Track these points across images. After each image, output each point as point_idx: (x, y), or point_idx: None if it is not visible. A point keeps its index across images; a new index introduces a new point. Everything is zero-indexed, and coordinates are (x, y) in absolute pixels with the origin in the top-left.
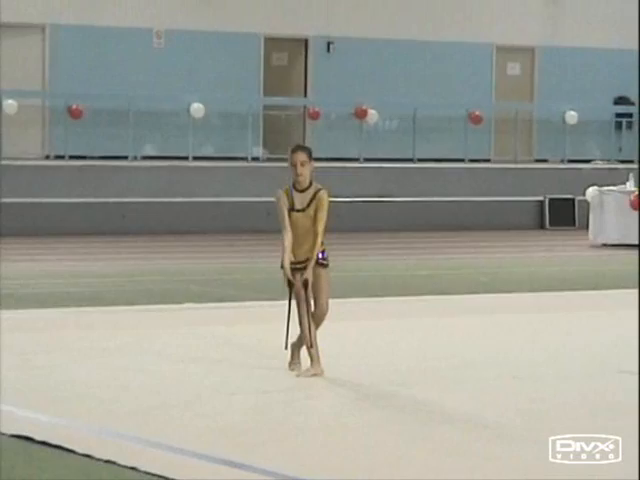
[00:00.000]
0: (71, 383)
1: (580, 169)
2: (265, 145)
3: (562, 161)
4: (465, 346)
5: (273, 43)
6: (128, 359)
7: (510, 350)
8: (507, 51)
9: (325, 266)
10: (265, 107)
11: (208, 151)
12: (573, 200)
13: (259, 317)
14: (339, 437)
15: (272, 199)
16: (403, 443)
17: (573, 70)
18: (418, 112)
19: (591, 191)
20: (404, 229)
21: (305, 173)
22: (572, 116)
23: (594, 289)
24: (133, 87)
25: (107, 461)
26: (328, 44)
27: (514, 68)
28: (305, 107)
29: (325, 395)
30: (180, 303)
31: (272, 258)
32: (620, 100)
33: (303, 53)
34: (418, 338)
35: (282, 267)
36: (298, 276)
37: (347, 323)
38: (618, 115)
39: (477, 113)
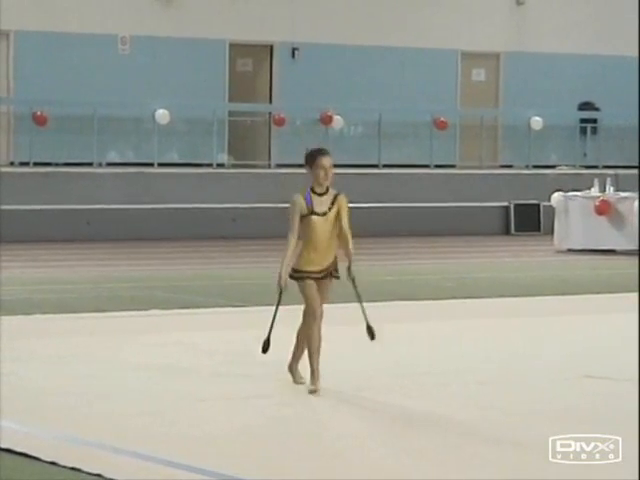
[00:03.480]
0: (36, 390)
1: (545, 174)
2: (230, 151)
3: (527, 167)
4: (431, 352)
5: (238, 49)
6: (93, 366)
7: (476, 355)
8: (472, 57)
9: (337, 278)
10: (230, 113)
11: (173, 157)
12: (538, 205)
13: (226, 323)
14: (309, 444)
15: (238, 205)
16: (376, 446)
17: (538, 76)
18: (383, 118)
19: (556, 196)
20: (369, 235)
21: (330, 178)
22: (537, 122)
23: (560, 294)
24: (98, 93)
25: (72, 468)
26: (293, 50)
27: (479, 74)
28: (270, 113)
29: (294, 401)
30: (146, 310)
31: (238, 264)
32: (585, 106)
33: (268, 59)
34: (383, 344)
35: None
36: (314, 290)
37: None
38: (583, 121)
39: (442, 119)
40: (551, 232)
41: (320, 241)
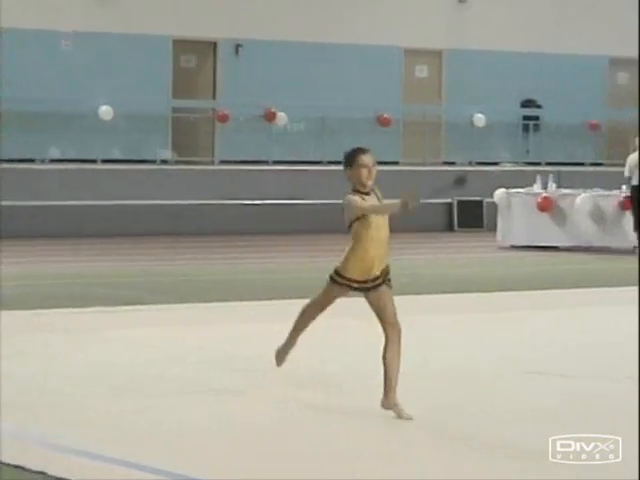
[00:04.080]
0: None
1: (488, 171)
2: (174, 148)
3: (470, 163)
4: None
5: (182, 45)
6: (31, 363)
7: (422, 351)
8: (415, 54)
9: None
10: (174, 109)
11: (116, 154)
12: (481, 202)
13: (164, 319)
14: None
15: (182, 201)
16: (318, 444)
17: (481, 73)
18: (327, 115)
19: (499, 193)
20: (316, 231)
21: (374, 177)
22: (480, 119)
23: (504, 290)
24: (41, 89)
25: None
26: (237, 47)
27: (422, 71)
28: (214, 110)
29: (245, 398)
30: (86, 307)
31: (180, 260)
32: (527, 103)
33: (212, 56)
34: (322, 340)
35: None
36: (332, 297)
37: (246, 326)
38: (525, 118)
39: (386, 116)
40: (494, 228)
41: (376, 244)
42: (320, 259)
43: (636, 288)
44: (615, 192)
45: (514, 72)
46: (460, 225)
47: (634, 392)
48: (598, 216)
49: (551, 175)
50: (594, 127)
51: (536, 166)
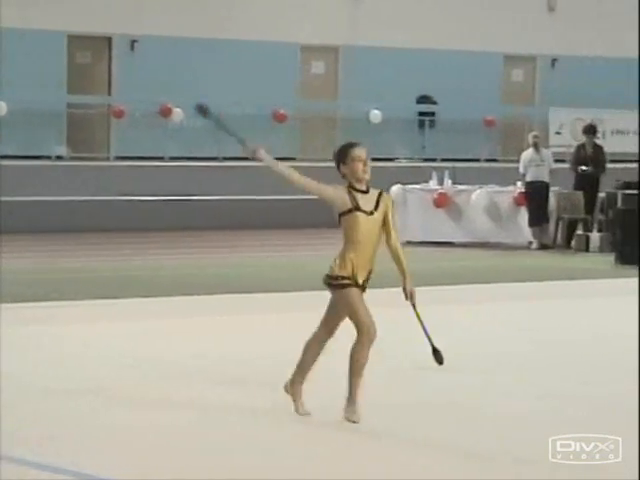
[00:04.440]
0: None
1: (384, 167)
2: (69, 144)
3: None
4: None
5: (77, 41)
6: None
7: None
8: (311, 50)
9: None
10: (69, 105)
11: (11, 150)
12: None
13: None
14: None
15: (77, 197)
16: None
17: (377, 69)
18: (223, 111)
19: (395, 189)
20: (210, 228)
21: (369, 172)
22: (376, 115)
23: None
24: None
25: None
26: (132, 42)
27: (318, 67)
28: (109, 105)
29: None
30: None
31: (78, 257)
32: (423, 99)
33: (107, 51)
34: (225, 333)
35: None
36: (362, 300)
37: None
38: (421, 114)
39: (282, 112)
40: None
41: (364, 244)
42: (213, 255)
43: (531, 284)
44: (510, 188)
45: (410, 68)
46: None
47: (511, 385)
48: (493, 212)
49: (447, 171)
50: (489, 123)
51: (432, 162)
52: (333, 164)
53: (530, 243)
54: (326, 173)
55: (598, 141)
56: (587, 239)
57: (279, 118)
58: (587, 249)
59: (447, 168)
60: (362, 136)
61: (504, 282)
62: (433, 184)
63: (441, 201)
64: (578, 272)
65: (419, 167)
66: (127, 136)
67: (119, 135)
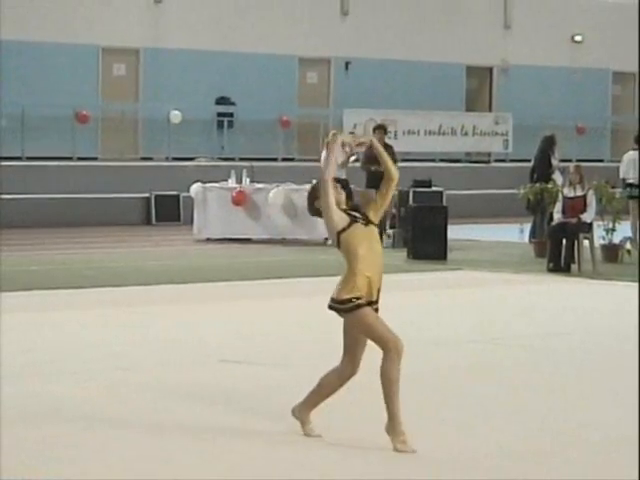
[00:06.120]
0: None
1: (184, 167)
2: None
3: (167, 159)
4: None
5: None
6: None
7: (113, 342)
8: (112, 52)
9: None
10: None
11: None
12: (178, 196)
13: None
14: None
15: None
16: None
17: (176, 71)
18: (26, 111)
19: (195, 187)
20: (14, 226)
21: None
22: (176, 115)
23: (198, 282)
24: None
25: None
26: None
27: (120, 69)
28: None
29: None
30: None
31: None
32: (221, 100)
33: None
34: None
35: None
36: (380, 318)
37: None
38: (220, 115)
39: (84, 113)
40: (191, 222)
41: (370, 256)
42: (22, 253)
43: (325, 279)
44: (306, 186)
45: (209, 70)
46: (158, 219)
47: (303, 376)
48: (290, 209)
49: (245, 170)
50: (285, 124)
51: (231, 161)
52: (133, 163)
53: (326, 239)
54: (127, 172)
55: (388, 140)
56: (381, 235)
57: (81, 119)
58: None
59: (245, 167)
60: (163, 137)
61: (300, 277)
62: (232, 182)
63: (239, 199)
64: None
65: (218, 166)
66: None
67: None
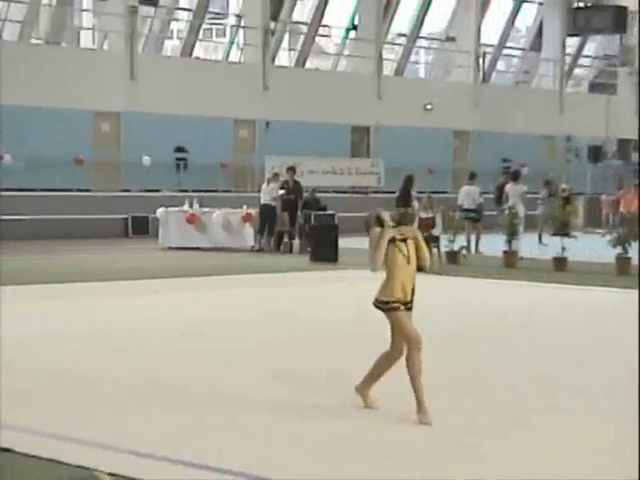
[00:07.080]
0: None
1: (154, 196)
2: None
3: (140, 190)
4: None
5: None
6: None
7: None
8: (101, 115)
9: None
10: None
11: None
12: (148, 217)
13: None
14: None
15: None
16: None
17: (147, 128)
18: (41, 157)
19: (160, 210)
20: (26, 238)
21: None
22: (147, 160)
23: (165, 278)
24: None
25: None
26: None
27: (106, 126)
28: None
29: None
30: None
31: None
32: (178, 149)
33: None
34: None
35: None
36: (409, 319)
37: None
38: (178, 159)
39: (81, 157)
40: (157, 235)
41: (403, 267)
42: (47, 256)
43: (250, 276)
44: (239, 210)
45: (170, 128)
46: (134, 233)
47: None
48: (227, 226)
49: (195, 199)
50: (224, 166)
51: (186, 192)
52: (116, 194)
53: (252, 247)
54: (111, 200)
55: (297, 178)
56: (291, 245)
57: (79, 162)
58: (291, 251)
59: (196, 197)
60: (137, 175)
61: (232, 274)
62: (186, 207)
63: (191, 219)
64: (284, 267)
65: (177, 196)
66: None
67: None
